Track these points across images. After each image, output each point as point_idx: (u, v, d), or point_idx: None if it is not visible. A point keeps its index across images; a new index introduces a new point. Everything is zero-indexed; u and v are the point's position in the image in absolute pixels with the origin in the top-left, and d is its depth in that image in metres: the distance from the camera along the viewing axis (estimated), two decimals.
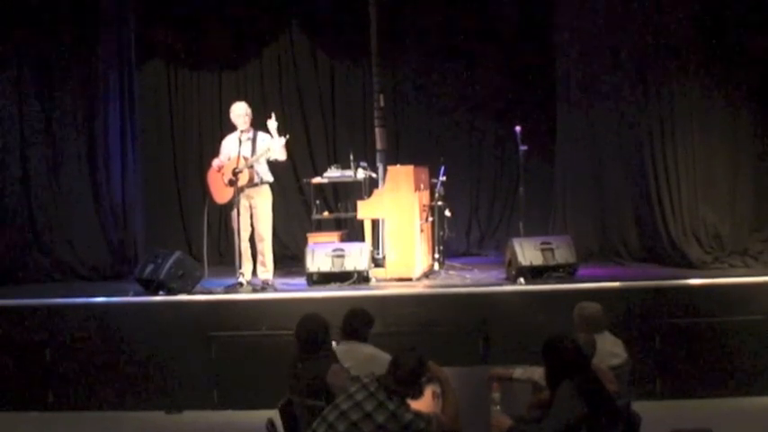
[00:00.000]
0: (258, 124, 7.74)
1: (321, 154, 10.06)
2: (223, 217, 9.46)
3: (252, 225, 7.64)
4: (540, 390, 4.43)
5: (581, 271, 7.60)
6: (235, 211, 7.52)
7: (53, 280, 8.72)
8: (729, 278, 7.29)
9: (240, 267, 7.55)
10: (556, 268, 7.45)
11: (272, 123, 7.53)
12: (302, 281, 7.86)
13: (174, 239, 9.67)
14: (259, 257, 7.72)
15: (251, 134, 7.62)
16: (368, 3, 8.67)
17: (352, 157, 8.94)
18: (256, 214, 7.63)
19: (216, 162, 7.67)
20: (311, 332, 4.56)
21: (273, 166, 7.82)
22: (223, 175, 7.55)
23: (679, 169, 8.12)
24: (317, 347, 4.53)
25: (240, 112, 7.60)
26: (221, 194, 7.65)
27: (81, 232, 8.84)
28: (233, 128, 7.68)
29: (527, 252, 7.44)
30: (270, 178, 7.72)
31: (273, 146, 7.48)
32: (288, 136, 7.62)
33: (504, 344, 6.66)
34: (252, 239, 7.72)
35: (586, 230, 8.69)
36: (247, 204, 7.59)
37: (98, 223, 8.87)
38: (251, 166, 7.47)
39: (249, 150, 7.53)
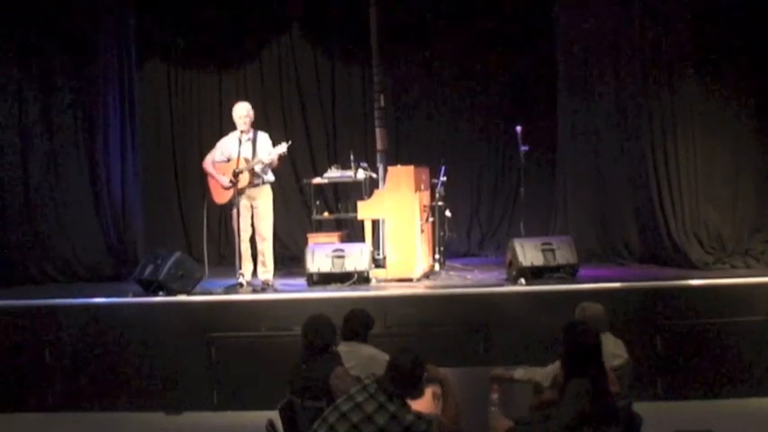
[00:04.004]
0: (258, 124, 7.73)
1: (321, 154, 10.06)
2: (223, 217, 9.46)
3: (253, 225, 7.63)
4: (542, 391, 4.42)
5: (582, 271, 7.58)
6: (235, 211, 7.51)
7: (53, 280, 8.71)
8: (731, 279, 7.26)
9: (240, 268, 7.54)
10: (557, 269, 7.43)
11: (282, 148, 7.49)
12: (302, 281, 7.85)
13: (174, 240, 9.67)
14: (259, 257, 7.71)
15: (251, 135, 7.60)
16: (368, 3, 8.66)
17: (352, 158, 8.93)
18: (257, 214, 7.62)
19: (210, 167, 7.63)
20: (318, 333, 4.55)
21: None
22: (223, 175, 7.54)
23: (680, 169, 8.10)
24: (323, 349, 4.53)
25: (242, 112, 7.58)
26: (221, 194, 7.64)
27: (81, 233, 8.83)
28: (234, 127, 7.66)
29: (528, 252, 7.42)
30: (271, 178, 7.71)
31: (273, 153, 7.47)
32: (290, 142, 7.61)
33: (505, 345, 6.65)
34: (252, 240, 7.71)
35: (587, 231, 8.68)
36: (248, 204, 7.58)
37: (98, 224, 8.86)
38: (250, 169, 7.45)
39: (250, 152, 7.52)
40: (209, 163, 7.70)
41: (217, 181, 7.59)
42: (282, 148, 7.46)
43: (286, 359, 4.85)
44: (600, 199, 8.75)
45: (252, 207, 7.61)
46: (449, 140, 9.85)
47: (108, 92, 8.87)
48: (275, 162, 7.57)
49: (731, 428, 5.59)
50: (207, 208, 7.90)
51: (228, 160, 7.58)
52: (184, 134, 10.19)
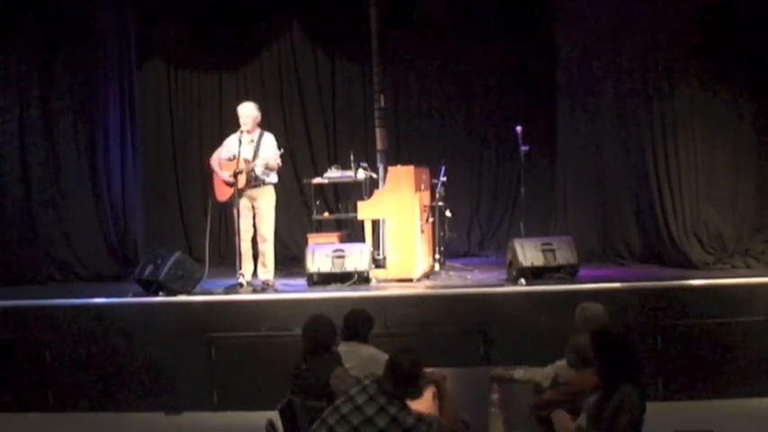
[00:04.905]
0: (262, 124, 7.72)
1: (321, 154, 10.05)
2: (224, 217, 9.45)
3: (254, 226, 7.62)
4: (542, 391, 4.42)
5: (582, 272, 7.58)
6: (235, 211, 7.50)
7: (53, 280, 8.71)
8: (731, 279, 7.26)
9: (240, 268, 7.54)
10: (557, 269, 7.42)
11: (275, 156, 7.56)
12: (302, 281, 7.84)
13: (174, 240, 9.67)
14: (260, 258, 7.70)
15: (254, 136, 7.57)
16: (368, 3, 8.66)
17: (352, 158, 8.93)
18: (259, 214, 7.60)
19: (215, 165, 7.64)
20: (318, 333, 4.56)
21: None
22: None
23: (681, 169, 8.10)
24: (323, 349, 4.53)
25: (244, 112, 7.56)
26: (223, 192, 7.62)
27: (81, 233, 8.83)
28: (239, 126, 7.63)
29: (528, 253, 7.41)
30: (273, 179, 7.67)
31: (268, 159, 7.48)
32: (282, 150, 7.65)
33: (505, 345, 6.64)
34: (254, 240, 7.69)
35: (588, 231, 8.67)
36: (249, 205, 7.57)
37: (98, 224, 8.86)
38: (249, 171, 7.43)
39: (251, 153, 7.50)
40: (214, 160, 7.70)
41: (220, 178, 7.59)
42: (276, 156, 7.48)
43: (286, 359, 4.85)
44: (600, 199, 8.75)
45: (253, 207, 7.59)
46: (449, 140, 9.84)
47: (108, 92, 8.87)
48: (272, 166, 7.55)
49: (731, 428, 5.58)
50: (211, 207, 7.89)
51: (233, 158, 7.56)
52: (184, 134, 10.18)
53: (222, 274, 8.13)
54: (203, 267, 7.79)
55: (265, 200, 7.61)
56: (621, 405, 3.63)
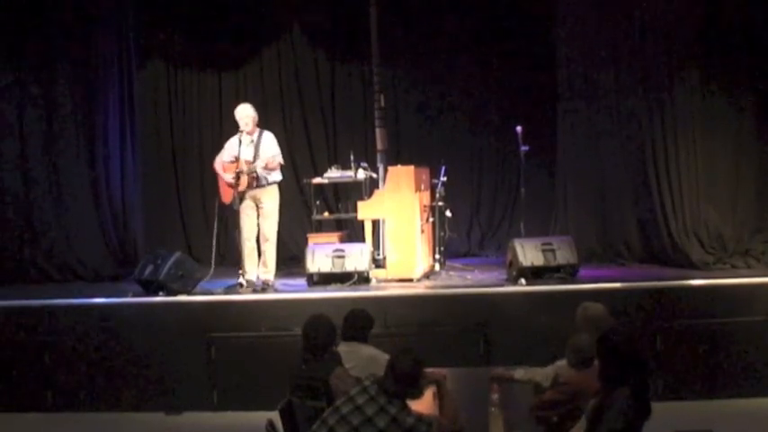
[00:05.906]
0: (258, 124, 7.72)
1: (321, 154, 10.05)
2: (224, 218, 9.44)
3: (258, 225, 7.61)
4: (542, 391, 4.42)
5: (582, 271, 7.58)
6: (238, 212, 7.49)
7: (53, 280, 8.71)
8: (731, 279, 7.27)
9: (242, 268, 7.53)
10: (557, 269, 7.42)
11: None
12: (302, 281, 7.85)
13: (174, 240, 9.66)
14: (261, 257, 7.69)
15: (254, 137, 7.57)
16: (368, 3, 8.66)
17: (352, 158, 8.93)
18: (263, 214, 7.59)
19: (218, 167, 7.64)
20: (318, 333, 4.56)
21: None
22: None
23: (681, 169, 8.11)
24: (323, 349, 4.53)
25: (243, 113, 7.55)
26: (227, 194, 7.62)
27: (81, 233, 8.84)
28: (238, 126, 7.63)
29: (528, 253, 7.42)
30: (276, 178, 7.66)
31: (270, 157, 7.49)
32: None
33: (505, 345, 6.65)
34: (257, 240, 7.68)
35: (588, 231, 8.67)
36: (253, 205, 7.56)
37: (98, 224, 8.87)
38: (250, 173, 7.41)
39: (251, 154, 7.49)
40: (218, 163, 7.70)
41: (223, 180, 7.59)
42: (276, 155, 7.50)
43: (286, 359, 4.86)
44: (600, 199, 8.74)
45: (258, 207, 7.58)
46: (449, 140, 9.83)
47: (108, 92, 8.88)
48: (273, 166, 7.53)
49: (731, 428, 5.58)
50: (217, 208, 7.89)
51: (235, 160, 7.53)
52: (184, 134, 10.18)
53: (222, 274, 8.13)
54: (205, 267, 7.79)
55: (269, 199, 7.60)
56: (618, 408, 3.63)
